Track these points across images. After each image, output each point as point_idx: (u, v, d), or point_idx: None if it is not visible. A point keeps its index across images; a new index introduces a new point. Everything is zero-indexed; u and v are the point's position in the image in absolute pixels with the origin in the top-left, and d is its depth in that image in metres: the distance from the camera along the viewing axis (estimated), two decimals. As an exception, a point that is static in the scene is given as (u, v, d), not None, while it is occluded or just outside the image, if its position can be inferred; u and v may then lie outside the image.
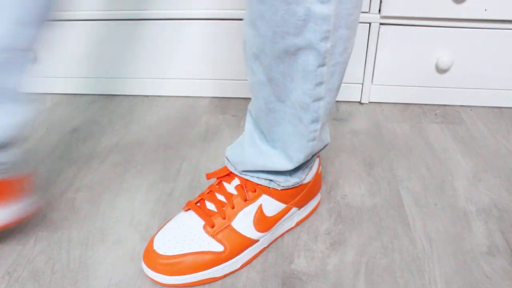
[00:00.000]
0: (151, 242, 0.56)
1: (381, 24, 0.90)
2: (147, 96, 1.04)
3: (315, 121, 0.54)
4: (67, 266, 0.59)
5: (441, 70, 0.94)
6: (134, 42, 0.98)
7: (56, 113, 0.97)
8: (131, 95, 1.04)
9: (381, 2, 0.87)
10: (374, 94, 0.98)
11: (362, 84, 0.97)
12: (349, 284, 0.56)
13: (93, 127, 0.91)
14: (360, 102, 0.99)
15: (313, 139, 0.55)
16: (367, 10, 0.88)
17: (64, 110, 0.99)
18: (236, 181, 0.59)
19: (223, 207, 0.57)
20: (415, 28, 0.89)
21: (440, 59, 0.91)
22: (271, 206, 0.59)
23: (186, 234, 0.56)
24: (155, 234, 0.57)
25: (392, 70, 0.95)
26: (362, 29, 0.90)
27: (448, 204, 0.69)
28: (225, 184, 0.60)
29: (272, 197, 0.59)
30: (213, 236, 0.56)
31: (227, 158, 0.62)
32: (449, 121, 0.92)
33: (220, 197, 0.59)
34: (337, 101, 0.99)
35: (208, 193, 0.60)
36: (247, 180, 0.59)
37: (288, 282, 0.56)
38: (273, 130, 0.57)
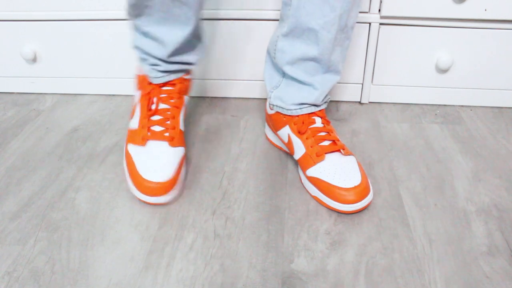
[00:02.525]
0: None
1: (381, 24, 0.90)
2: (147, 96, 1.04)
3: None
4: (67, 266, 0.59)
5: (441, 70, 0.94)
6: (134, 42, 0.98)
7: (56, 113, 0.97)
8: (131, 95, 1.04)
9: (381, 2, 0.87)
10: (374, 94, 0.98)
11: (362, 84, 0.97)
12: (349, 284, 0.56)
13: (93, 127, 0.91)
14: (360, 102, 0.99)
15: None
16: (367, 10, 0.88)
17: (64, 110, 0.99)
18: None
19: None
20: (415, 28, 0.89)
21: (440, 59, 0.91)
22: None
23: None
24: None
25: (392, 70, 0.95)
26: (362, 29, 0.90)
27: (448, 204, 0.69)
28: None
29: None
30: None
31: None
32: (449, 121, 0.92)
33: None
34: (337, 101, 0.99)
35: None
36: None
37: (288, 282, 0.56)
38: None
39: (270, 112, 0.80)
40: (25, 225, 0.66)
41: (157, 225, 0.65)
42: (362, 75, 0.96)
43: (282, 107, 0.76)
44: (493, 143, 0.84)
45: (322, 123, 0.74)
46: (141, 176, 0.67)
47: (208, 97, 1.03)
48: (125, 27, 0.96)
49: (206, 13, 0.92)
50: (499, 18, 0.86)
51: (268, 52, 0.78)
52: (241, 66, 0.97)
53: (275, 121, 0.79)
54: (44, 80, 1.05)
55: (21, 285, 0.56)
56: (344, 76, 0.96)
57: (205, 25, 0.93)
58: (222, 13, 0.92)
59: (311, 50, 0.70)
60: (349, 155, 0.71)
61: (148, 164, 0.68)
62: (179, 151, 0.72)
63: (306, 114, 0.74)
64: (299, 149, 0.73)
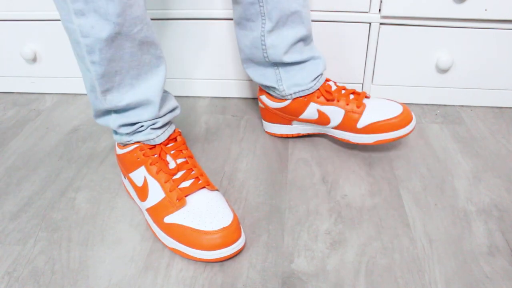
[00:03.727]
0: None
1: (381, 24, 0.90)
2: (147, 96, 1.04)
3: None
4: (67, 266, 0.59)
5: (441, 70, 0.94)
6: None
7: (56, 113, 0.97)
8: (131, 95, 1.04)
9: (381, 2, 0.87)
10: (374, 94, 0.98)
11: (362, 84, 0.97)
12: (349, 284, 0.56)
13: (93, 127, 0.91)
14: (360, 102, 0.99)
15: None
16: (367, 10, 0.88)
17: (64, 110, 0.99)
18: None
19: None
20: (415, 28, 0.89)
21: (440, 59, 0.91)
22: None
23: None
24: None
25: (392, 70, 0.95)
26: (362, 29, 0.90)
27: (448, 204, 0.69)
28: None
29: None
30: None
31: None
32: (449, 121, 0.92)
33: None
34: (337, 101, 0.99)
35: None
36: None
37: (288, 282, 0.56)
38: None
39: (283, 104, 0.80)
40: (25, 225, 0.66)
41: (157, 225, 0.65)
42: (362, 75, 0.96)
43: (301, 90, 0.78)
44: (493, 143, 0.84)
45: (334, 84, 0.80)
46: (205, 233, 0.58)
47: (208, 97, 1.03)
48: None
49: (207, 12, 0.92)
50: (499, 18, 0.86)
51: (251, 57, 0.78)
52: (241, 66, 0.97)
53: (294, 108, 0.80)
54: (44, 80, 1.05)
55: (21, 285, 0.56)
56: (344, 76, 0.96)
57: (208, 24, 0.93)
58: (223, 13, 0.92)
59: (299, 31, 0.73)
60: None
61: (206, 218, 0.59)
62: (219, 194, 0.65)
63: (323, 83, 0.78)
64: (336, 114, 0.77)
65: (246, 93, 1.01)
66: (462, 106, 0.97)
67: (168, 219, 0.61)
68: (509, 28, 0.88)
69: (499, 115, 0.94)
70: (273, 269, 0.58)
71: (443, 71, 0.94)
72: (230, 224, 0.58)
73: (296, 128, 0.84)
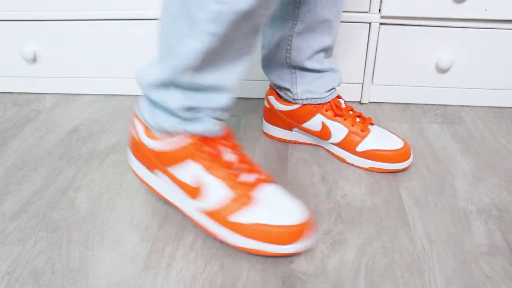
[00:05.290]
0: None
1: (381, 24, 0.90)
2: (147, 96, 1.04)
3: None
4: (67, 266, 0.59)
5: (441, 70, 0.94)
6: (134, 42, 0.98)
7: (56, 113, 0.97)
8: (131, 95, 1.04)
9: (381, 2, 0.87)
10: (374, 94, 0.98)
11: (362, 84, 0.97)
12: (349, 284, 0.56)
13: (93, 127, 0.91)
14: (360, 102, 0.99)
15: None
16: (367, 10, 0.88)
17: (64, 110, 0.99)
18: None
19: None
20: (415, 28, 0.89)
21: (440, 59, 0.91)
22: None
23: None
24: None
25: (392, 70, 0.95)
26: (362, 29, 0.90)
27: (448, 204, 0.69)
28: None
29: None
30: None
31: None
32: (449, 121, 0.92)
33: None
34: (337, 101, 0.99)
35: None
36: None
37: (288, 282, 0.56)
38: None
39: (291, 108, 0.80)
40: (25, 225, 0.66)
41: (157, 225, 0.65)
42: (362, 75, 0.96)
43: (314, 98, 0.78)
44: (493, 143, 0.84)
45: (343, 102, 0.80)
46: (283, 227, 0.57)
47: (208, 97, 1.02)
48: (126, 27, 0.96)
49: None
50: (499, 18, 0.86)
51: (272, 56, 0.78)
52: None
53: (300, 114, 0.80)
54: (44, 80, 1.05)
55: (21, 285, 0.56)
56: (344, 76, 0.96)
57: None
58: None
59: (326, 40, 0.74)
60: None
61: (279, 212, 0.58)
62: (279, 186, 0.62)
63: (334, 98, 0.79)
64: (339, 131, 0.78)
65: (246, 93, 1.01)
66: (462, 106, 0.97)
67: (235, 218, 0.57)
68: (509, 28, 0.88)
69: (499, 115, 0.94)
70: (273, 269, 0.58)
71: (443, 71, 0.94)
72: (306, 216, 0.59)
73: (295, 135, 0.84)
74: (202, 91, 0.56)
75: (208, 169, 0.58)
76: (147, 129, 0.61)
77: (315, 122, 0.79)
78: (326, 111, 0.78)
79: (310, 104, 0.79)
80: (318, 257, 0.60)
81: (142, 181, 0.66)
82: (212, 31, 0.50)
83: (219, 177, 0.58)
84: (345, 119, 0.78)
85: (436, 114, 0.94)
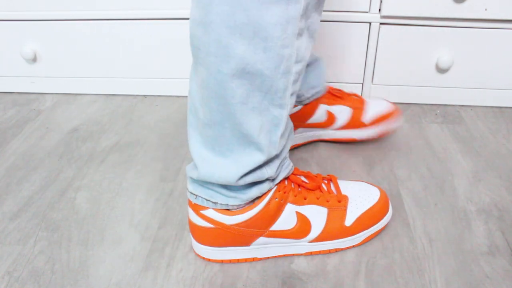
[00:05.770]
0: None
1: (381, 24, 0.90)
2: (146, 96, 1.04)
3: None
4: (67, 266, 0.59)
5: (441, 70, 0.94)
6: (134, 42, 0.98)
7: (56, 113, 0.97)
8: (131, 95, 1.04)
9: (381, 2, 0.87)
10: (374, 94, 0.98)
11: (362, 84, 0.97)
12: (349, 284, 0.56)
13: (93, 127, 0.91)
14: (360, 102, 0.99)
15: None
16: (367, 10, 0.88)
17: (64, 110, 0.99)
18: None
19: None
20: (415, 28, 0.89)
21: (440, 59, 0.91)
22: None
23: None
24: None
25: (392, 70, 0.95)
26: (362, 29, 0.90)
27: (448, 204, 0.69)
28: None
29: None
30: None
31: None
32: (449, 121, 0.92)
33: None
34: (337, 101, 0.99)
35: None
36: None
37: (288, 282, 0.56)
38: None
39: (294, 110, 0.79)
40: (25, 225, 0.66)
41: (157, 225, 0.65)
42: (362, 75, 0.96)
43: (317, 92, 0.78)
44: (493, 143, 0.84)
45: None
46: (375, 206, 0.62)
47: (208, 97, 1.02)
48: (126, 27, 0.96)
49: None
50: (499, 18, 0.86)
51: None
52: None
53: (304, 113, 0.80)
54: (44, 80, 1.05)
55: (21, 285, 0.56)
56: (344, 76, 0.96)
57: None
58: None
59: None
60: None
61: (367, 197, 0.62)
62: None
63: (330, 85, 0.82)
64: (344, 113, 0.79)
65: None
66: (462, 105, 0.97)
67: (347, 222, 0.59)
68: (509, 28, 0.88)
69: (499, 115, 0.94)
70: (273, 269, 0.58)
71: (443, 70, 0.94)
72: (380, 195, 0.63)
73: (296, 139, 0.82)
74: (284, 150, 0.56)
75: (300, 202, 0.58)
76: (226, 211, 0.56)
77: (320, 114, 0.79)
78: (326, 99, 0.79)
79: (316, 98, 0.79)
80: (318, 257, 0.60)
81: (238, 261, 0.60)
82: (294, 91, 0.49)
83: (312, 202, 0.59)
84: (345, 100, 0.80)
85: (436, 114, 0.94)
